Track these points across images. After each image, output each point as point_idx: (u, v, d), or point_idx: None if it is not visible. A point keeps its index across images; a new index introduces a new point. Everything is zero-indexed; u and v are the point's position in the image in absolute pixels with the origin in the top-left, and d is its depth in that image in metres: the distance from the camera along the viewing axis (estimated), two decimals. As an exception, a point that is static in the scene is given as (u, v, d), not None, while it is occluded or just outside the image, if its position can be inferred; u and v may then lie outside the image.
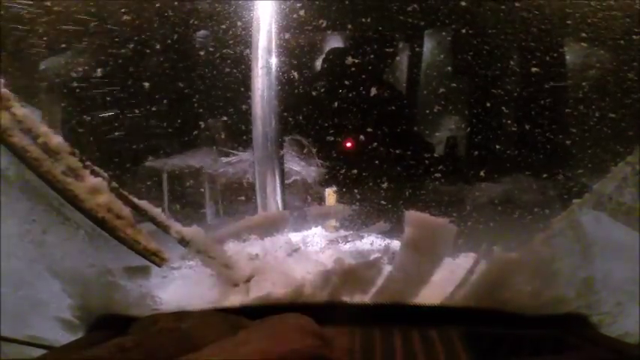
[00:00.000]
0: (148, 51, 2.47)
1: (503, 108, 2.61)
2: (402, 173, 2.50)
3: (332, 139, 2.59)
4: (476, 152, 2.58)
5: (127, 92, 2.39)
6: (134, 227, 1.42)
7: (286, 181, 2.45)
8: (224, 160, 3.01)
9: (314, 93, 2.49)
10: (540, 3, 2.37)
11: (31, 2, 2.11)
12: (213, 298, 1.47)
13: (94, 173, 1.43)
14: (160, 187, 2.51)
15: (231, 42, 2.47)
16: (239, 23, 2.41)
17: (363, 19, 2.55)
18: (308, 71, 2.53)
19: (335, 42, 2.86)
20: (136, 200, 1.51)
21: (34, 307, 1.31)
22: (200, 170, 3.03)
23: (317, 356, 0.74)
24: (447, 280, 1.35)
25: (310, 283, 1.36)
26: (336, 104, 2.49)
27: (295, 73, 2.35)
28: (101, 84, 2.37)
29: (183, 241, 1.50)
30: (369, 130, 2.64)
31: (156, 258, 1.46)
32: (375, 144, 2.54)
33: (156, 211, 1.54)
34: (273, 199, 2.21)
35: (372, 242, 2.04)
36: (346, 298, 1.29)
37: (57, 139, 1.38)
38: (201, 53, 2.56)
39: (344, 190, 2.41)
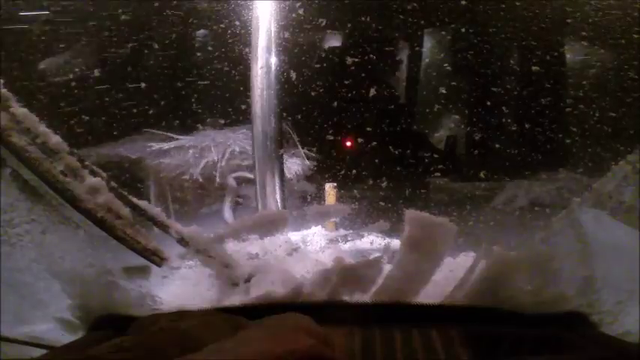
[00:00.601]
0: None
1: (504, 107, 2.61)
2: (401, 172, 2.50)
3: (331, 137, 2.59)
4: (476, 151, 2.58)
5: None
6: (133, 227, 1.42)
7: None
8: (157, 146, 2.73)
9: (313, 93, 2.48)
10: (541, 2, 2.37)
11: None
12: (213, 297, 1.46)
13: (93, 173, 1.43)
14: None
15: (230, 41, 2.47)
16: (237, 23, 2.41)
17: (363, 19, 2.55)
18: (307, 70, 2.52)
19: (334, 41, 2.86)
20: (135, 200, 1.51)
21: (34, 307, 1.31)
22: (138, 162, 2.69)
23: (317, 356, 0.74)
24: (447, 279, 1.35)
25: (310, 282, 1.36)
26: (335, 103, 2.49)
27: (294, 73, 2.35)
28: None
29: (183, 241, 1.50)
30: (369, 129, 2.65)
31: (156, 258, 1.46)
32: (375, 143, 2.54)
33: (155, 211, 1.54)
34: (273, 198, 2.21)
35: (371, 241, 2.04)
36: (346, 298, 1.29)
37: (56, 139, 1.38)
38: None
39: (342, 189, 2.41)
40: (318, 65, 2.74)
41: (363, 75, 2.51)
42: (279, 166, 2.24)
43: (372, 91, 2.47)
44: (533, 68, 2.48)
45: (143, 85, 2.62)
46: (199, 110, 2.94)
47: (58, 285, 1.26)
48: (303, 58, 2.60)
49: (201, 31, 2.90)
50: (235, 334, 0.81)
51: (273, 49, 2.17)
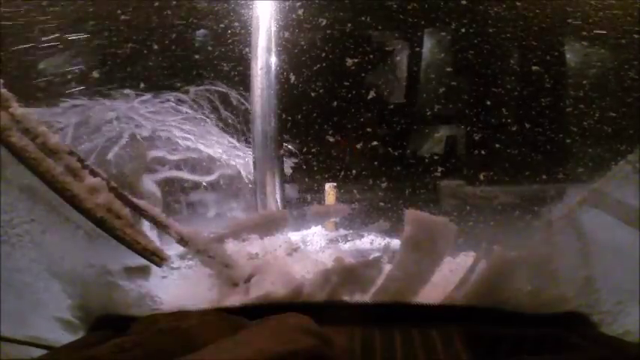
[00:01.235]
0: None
1: (503, 109, 2.60)
2: (401, 172, 2.50)
3: (331, 138, 2.59)
4: (475, 151, 2.58)
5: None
6: (133, 227, 1.42)
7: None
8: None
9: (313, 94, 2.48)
10: (541, 2, 2.37)
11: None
12: (213, 297, 1.46)
13: (93, 173, 1.43)
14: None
15: (230, 41, 2.46)
16: (236, 23, 2.40)
17: (363, 18, 2.55)
18: (307, 70, 2.52)
19: (334, 40, 2.86)
20: (135, 200, 1.51)
21: (34, 307, 1.31)
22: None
23: (317, 356, 0.74)
24: (447, 280, 1.35)
25: (310, 282, 1.36)
26: (335, 103, 2.48)
27: (293, 73, 2.34)
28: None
29: (183, 241, 1.50)
30: (368, 129, 2.64)
31: (156, 258, 1.45)
32: (374, 143, 2.54)
33: (156, 211, 1.53)
34: (273, 198, 2.21)
35: (371, 241, 2.04)
36: (346, 298, 1.29)
37: (55, 139, 1.38)
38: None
39: (342, 190, 2.41)
40: (317, 65, 2.74)
41: (362, 75, 2.51)
42: (278, 166, 2.24)
43: (372, 93, 2.47)
44: (534, 68, 2.48)
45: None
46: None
47: (58, 285, 1.26)
48: (303, 58, 2.60)
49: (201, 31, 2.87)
50: (235, 334, 0.81)
51: (273, 49, 2.18)
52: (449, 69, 2.80)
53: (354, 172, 2.48)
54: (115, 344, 0.80)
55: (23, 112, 1.34)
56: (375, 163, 2.51)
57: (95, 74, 2.12)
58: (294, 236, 1.94)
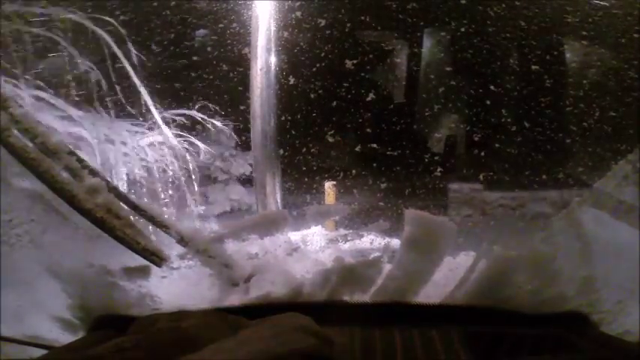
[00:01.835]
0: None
1: (503, 109, 2.60)
2: (401, 172, 2.50)
3: (331, 138, 2.59)
4: (475, 151, 2.58)
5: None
6: (133, 227, 1.42)
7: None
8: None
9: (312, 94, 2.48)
10: (541, 2, 2.37)
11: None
12: (213, 297, 1.46)
13: (92, 173, 1.43)
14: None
15: (229, 41, 2.46)
16: (235, 24, 2.39)
17: (362, 18, 2.55)
18: (306, 70, 2.52)
19: (334, 40, 2.86)
20: (135, 200, 1.51)
21: (34, 307, 1.31)
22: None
23: (317, 356, 0.74)
24: (447, 279, 1.35)
25: (310, 282, 1.36)
26: (334, 103, 2.48)
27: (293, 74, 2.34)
28: None
29: (183, 241, 1.50)
30: (368, 129, 2.64)
31: (155, 258, 1.45)
32: (374, 143, 2.54)
33: (156, 211, 1.53)
34: (273, 198, 2.21)
35: (371, 241, 2.04)
36: (346, 298, 1.29)
37: (55, 139, 1.37)
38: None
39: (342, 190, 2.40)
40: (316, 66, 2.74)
41: (362, 75, 2.51)
42: (278, 166, 2.24)
43: (371, 94, 2.47)
44: (533, 68, 2.48)
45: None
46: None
47: (58, 285, 1.26)
48: (302, 58, 2.60)
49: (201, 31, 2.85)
50: (235, 334, 0.80)
51: (273, 49, 2.18)
52: (448, 69, 2.80)
53: (353, 172, 2.48)
54: (115, 344, 0.80)
55: (23, 112, 1.34)
56: (374, 164, 2.51)
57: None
58: (294, 236, 1.94)
